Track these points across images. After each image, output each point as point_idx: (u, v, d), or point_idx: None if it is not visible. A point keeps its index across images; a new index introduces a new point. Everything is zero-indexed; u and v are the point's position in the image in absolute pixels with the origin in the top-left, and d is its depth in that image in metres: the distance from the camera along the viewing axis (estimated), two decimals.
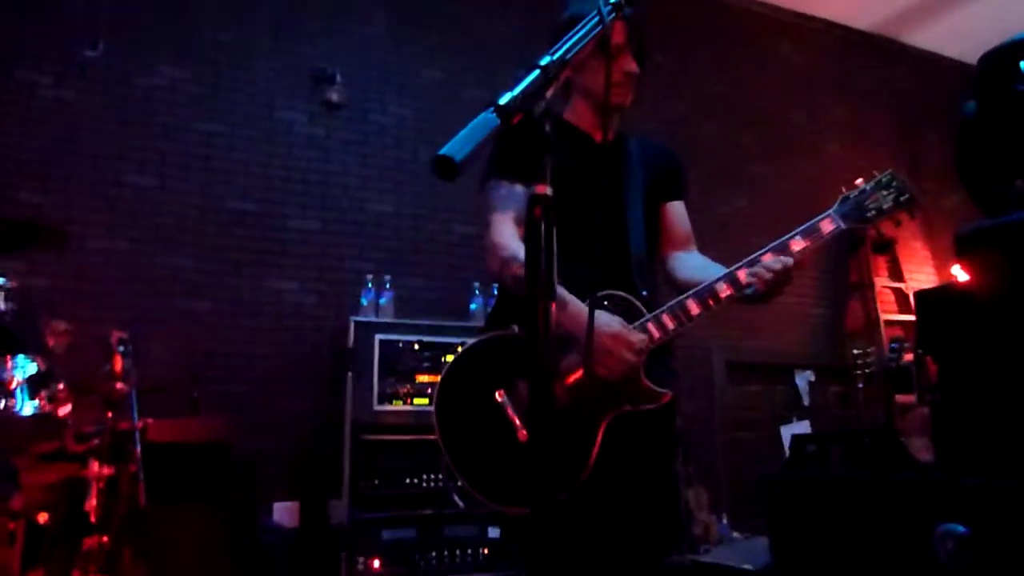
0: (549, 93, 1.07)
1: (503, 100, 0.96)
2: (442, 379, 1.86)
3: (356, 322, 4.20)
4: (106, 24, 4.68)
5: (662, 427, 1.98)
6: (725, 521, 5.49)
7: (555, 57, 1.07)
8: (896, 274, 7.04)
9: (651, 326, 1.86)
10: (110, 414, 3.34)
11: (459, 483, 1.79)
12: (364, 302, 4.52)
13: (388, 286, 4.60)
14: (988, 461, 2.25)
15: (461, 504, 1.80)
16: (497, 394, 1.84)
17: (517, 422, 1.81)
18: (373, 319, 4.35)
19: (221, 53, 5.00)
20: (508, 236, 1.94)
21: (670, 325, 1.87)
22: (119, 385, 3.26)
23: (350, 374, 4.07)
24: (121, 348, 3.34)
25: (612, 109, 2.12)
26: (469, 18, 5.79)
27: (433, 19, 5.68)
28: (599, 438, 1.82)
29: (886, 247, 7.07)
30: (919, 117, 7.52)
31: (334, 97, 5.17)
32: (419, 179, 5.28)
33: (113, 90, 4.69)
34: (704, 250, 2.20)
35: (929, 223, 7.25)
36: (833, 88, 7.36)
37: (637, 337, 1.83)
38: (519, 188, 1.99)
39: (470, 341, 1.94)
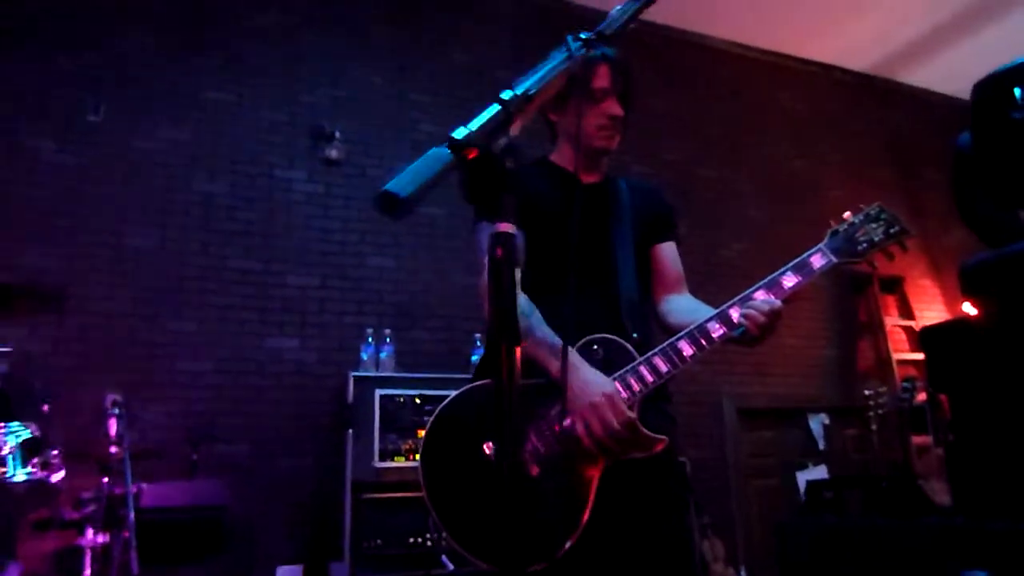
0: (514, 129, 1.02)
1: (458, 134, 0.90)
2: (428, 431, 1.78)
3: (356, 377, 4.14)
4: (108, 87, 4.73)
5: (660, 476, 1.89)
6: (743, 573, 5.31)
7: (517, 92, 1.02)
8: (906, 312, 6.93)
9: (643, 369, 1.78)
10: (105, 480, 3.27)
11: (447, 542, 1.70)
12: (364, 356, 4.46)
13: (388, 340, 4.54)
14: (1008, 502, 2.14)
15: (450, 566, 1.71)
16: (485, 447, 1.76)
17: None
18: (373, 373, 4.28)
19: (220, 112, 5.03)
20: None
21: (663, 368, 1.79)
22: (112, 449, 3.19)
23: (350, 431, 3.98)
24: (115, 411, 3.28)
25: (597, 153, 2.08)
26: (468, 72, 5.82)
27: (432, 74, 5.72)
28: (593, 490, 1.73)
29: (895, 286, 6.99)
30: (917, 156, 7.50)
31: (333, 154, 5.19)
32: (419, 232, 5.26)
33: (114, 153, 4.72)
34: (702, 293, 2.13)
35: (936, 260, 7.17)
36: (830, 130, 7.35)
37: (625, 409, 1.74)
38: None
39: (456, 392, 1.86)
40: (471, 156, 0.90)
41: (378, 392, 4.08)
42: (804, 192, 6.86)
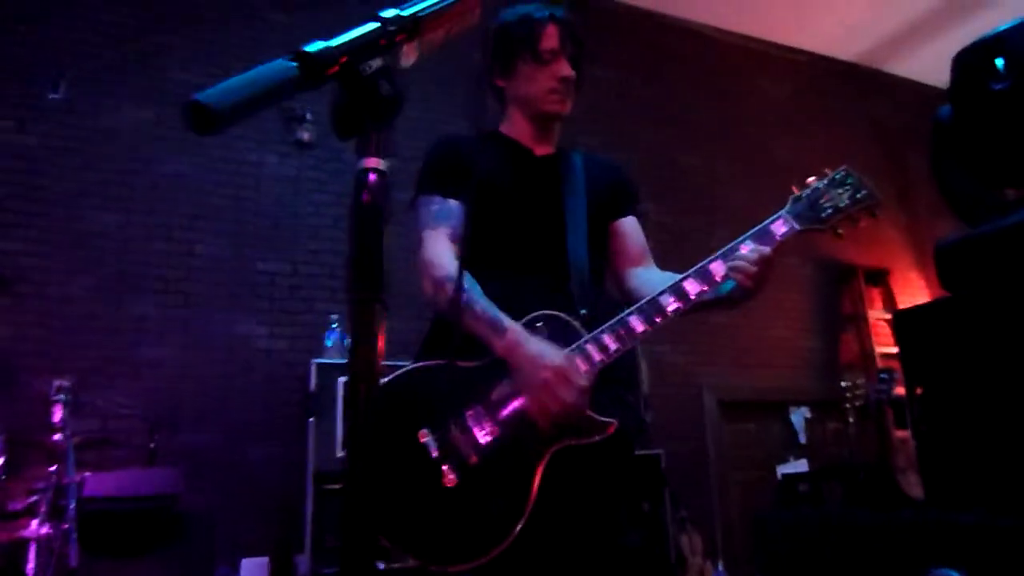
0: (404, 60, 0.87)
1: (312, 47, 0.75)
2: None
3: (318, 364, 3.98)
4: (68, 65, 4.56)
5: (612, 464, 1.74)
6: (721, 567, 5.18)
7: (403, 13, 0.87)
8: (891, 305, 6.81)
9: (590, 347, 1.64)
10: (53, 469, 3.12)
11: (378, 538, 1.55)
12: (329, 343, 4.30)
13: None
14: (981, 496, 2.00)
15: (413, 561, 1.56)
16: (420, 434, 1.61)
17: (443, 466, 1.58)
18: (337, 361, 4.12)
19: (187, 92, 4.83)
20: (442, 254, 1.77)
21: (612, 346, 1.64)
22: (56, 437, 3.03)
23: (312, 420, 3.83)
24: (60, 397, 3.12)
25: (548, 117, 1.94)
26: (446, 55, 5.66)
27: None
28: (537, 478, 1.59)
29: (880, 278, 6.87)
30: (905, 146, 7.36)
31: (305, 136, 5.03)
32: (394, 218, 5.09)
33: (76, 132, 4.54)
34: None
35: (923, 252, 7.05)
36: (815, 119, 7.22)
37: (583, 376, 1.60)
38: (452, 203, 1.82)
39: (390, 375, 1.71)
40: (329, 72, 0.75)
41: (341, 380, 3.93)
42: (788, 179, 6.69)
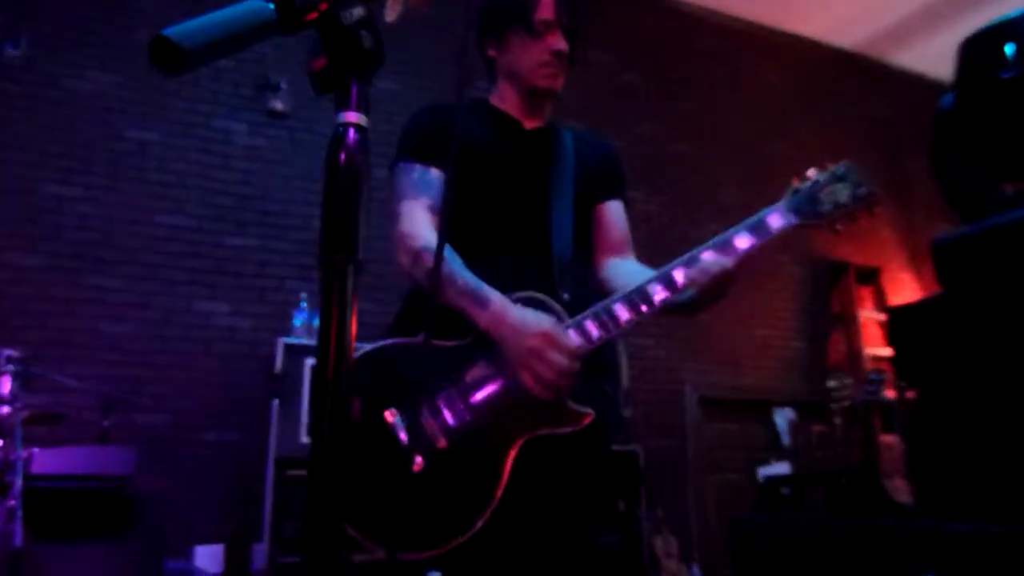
0: (389, 14, 0.85)
1: None
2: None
3: (286, 344, 3.95)
4: (30, 20, 4.47)
5: (587, 457, 1.74)
6: (697, 571, 5.22)
7: None
8: (882, 305, 6.85)
9: (572, 333, 1.63)
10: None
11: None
12: (297, 323, 4.27)
13: None
14: (974, 502, 2.02)
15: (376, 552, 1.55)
16: (387, 414, 1.59)
17: (410, 449, 1.56)
18: (305, 341, 4.09)
19: None
20: (420, 225, 1.74)
21: (595, 333, 1.63)
22: (4, 410, 2.98)
23: (276, 402, 3.79)
24: (10, 368, 3.07)
25: (539, 93, 1.91)
26: (425, 28, 5.61)
27: (387, 26, 5.49)
28: (507, 466, 1.57)
29: (871, 277, 6.91)
30: (905, 143, 7.39)
31: (278, 106, 4.97)
32: (373, 197, 5.05)
33: (37, 93, 4.46)
34: None
35: (917, 251, 7.10)
36: (813, 111, 7.23)
37: (571, 339, 1.59)
38: (434, 172, 1.80)
39: (362, 350, 1.69)
40: (308, 19, 0.72)
41: (308, 361, 3.90)
42: (778, 171, 6.71)
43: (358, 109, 0.76)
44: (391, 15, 0.84)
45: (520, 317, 1.60)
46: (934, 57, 7.32)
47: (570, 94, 2.03)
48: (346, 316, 0.71)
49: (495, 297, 1.63)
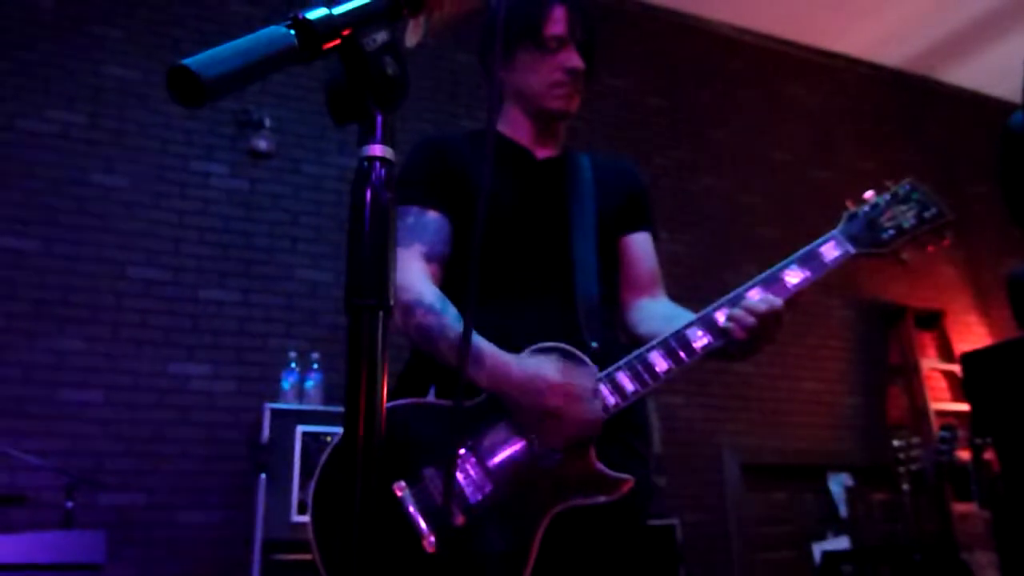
0: (410, 38, 0.88)
1: (313, 14, 0.76)
2: (320, 471, 1.60)
3: (273, 410, 3.97)
4: None
5: (623, 532, 1.73)
6: None
7: None
8: (946, 354, 6.83)
9: (603, 388, 1.63)
10: None
11: None
12: (286, 386, 4.29)
13: (316, 367, 4.38)
14: None
15: None
16: (396, 488, 1.59)
17: (422, 526, 1.56)
18: (295, 406, 4.11)
19: (124, 91, 4.87)
20: (413, 276, 1.74)
21: (629, 387, 1.64)
22: None
23: (263, 476, 3.79)
24: None
25: (551, 116, 1.94)
26: (419, 55, 5.72)
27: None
28: (535, 545, 1.57)
29: (933, 321, 6.90)
30: (962, 167, 7.44)
31: (261, 145, 5.04)
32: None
33: None
34: None
35: (982, 293, 7.10)
36: (858, 136, 7.31)
37: (591, 381, 1.60)
38: (431, 215, 1.81)
39: None
40: (327, 47, 0.76)
41: (300, 429, 3.91)
42: (824, 204, 6.75)
43: (383, 142, 0.78)
44: (412, 39, 0.87)
45: (525, 373, 1.61)
46: (989, 73, 7.41)
47: (585, 121, 2.07)
48: (377, 371, 0.72)
49: (487, 350, 1.63)
